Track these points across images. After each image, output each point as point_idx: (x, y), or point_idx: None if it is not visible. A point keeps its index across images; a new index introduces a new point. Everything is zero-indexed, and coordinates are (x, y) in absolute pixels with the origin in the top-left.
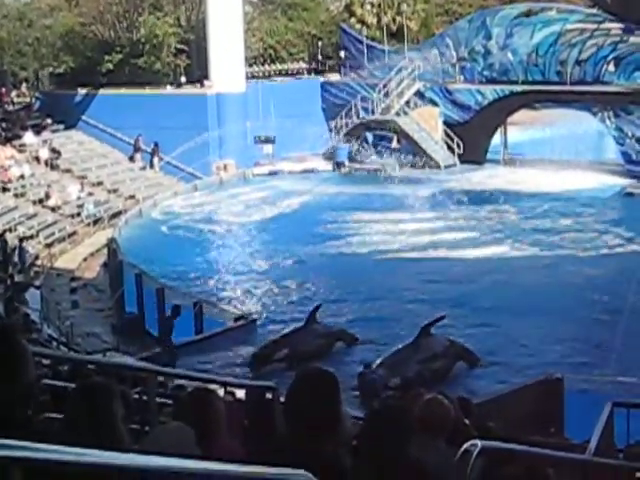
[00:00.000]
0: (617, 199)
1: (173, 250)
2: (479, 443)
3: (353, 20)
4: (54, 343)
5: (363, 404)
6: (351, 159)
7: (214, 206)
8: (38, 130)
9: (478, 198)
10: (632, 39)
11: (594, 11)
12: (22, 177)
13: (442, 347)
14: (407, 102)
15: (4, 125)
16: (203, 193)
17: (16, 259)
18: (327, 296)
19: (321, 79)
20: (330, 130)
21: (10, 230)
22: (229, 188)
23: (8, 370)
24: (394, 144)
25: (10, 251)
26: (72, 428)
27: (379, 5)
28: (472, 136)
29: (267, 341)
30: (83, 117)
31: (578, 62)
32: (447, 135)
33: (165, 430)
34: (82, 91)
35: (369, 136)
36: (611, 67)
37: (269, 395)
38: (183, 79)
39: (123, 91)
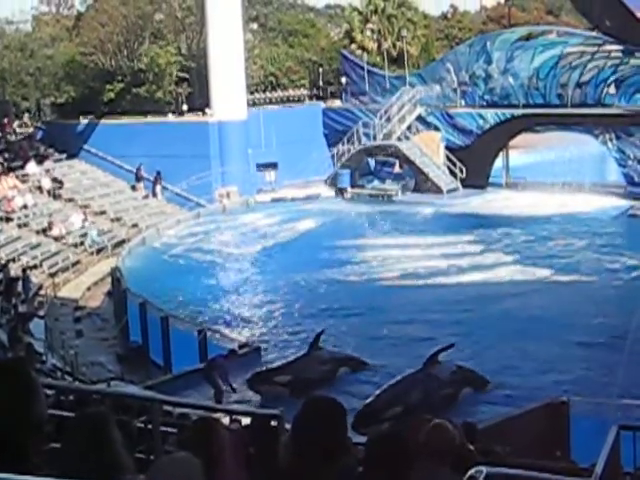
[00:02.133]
0: (620, 221)
1: (177, 278)
2: (484, 469)
3: (354, 46)
4: (58, 373)
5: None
6: (353, 185)
7: (217, 234)
8: (40, 160)
9: (481, 222)
10: (632, 61)
11: (594, 34)
12: (25, 207)
13: (449, 374)
14: (409, 127)
15: (7, 155)
16: (206, 221)
17: (20, 289)
18: (330, 322)
19: (322, 105)
20: (332, 156)
21: (14, 260)
22: (232, 215)
23: (20, 404)
24: (396, 169)
25: (14, 281)
26: (71, 458)
27: (379, 31)
28: (474, 160)
29: (269, 366)
30: (85, 146)
31: (579, 85)
32: (449, 159)
33: (170, 460)
34: (84, 120)
35: (371, 162)
36: (612, 89)
37: (274, 423)
38: (185, 107)
39: (125, 120)
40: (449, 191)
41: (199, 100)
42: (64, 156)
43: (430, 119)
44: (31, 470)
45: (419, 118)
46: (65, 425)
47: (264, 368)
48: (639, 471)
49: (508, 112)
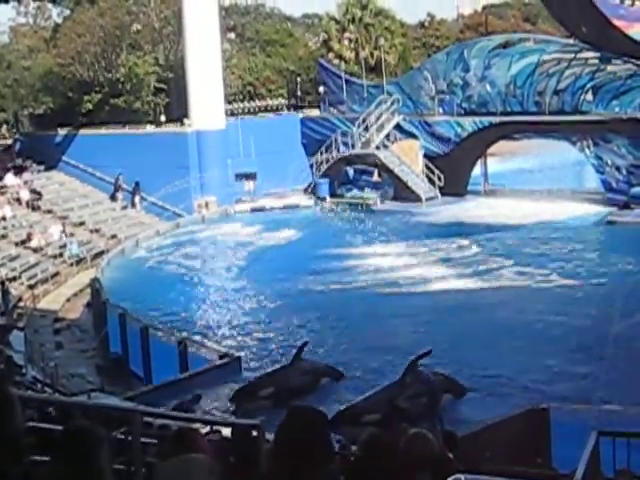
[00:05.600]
0: (599, 228)
1: (156, 289)
2: (463, 477)
3: (331, 55)
4: (39, 385)
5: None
6: (332, 194)
7: (196, 244)
8: (19, 171)
9: (460, 230)
10: (609, 68)
11: (571, 41)
12: (4, 219)
13: (429, 381)
14: (387, 136)
15: None
16: (185, 231)
17: None
18: (310, 331)
19: (300, 115)
20: (311, 165)
21: None
22: (211, 226)
23: None
24: (375, 178)
25: None
26: (58, 472)
27: (357, 40)
28: (453, 168)
29: (252, 378)
30: (64, 157)
31: (556, 92)
32: (428, 168)
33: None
34: (62, 131)
35: (350, 170)
36: (589, 96)
37: (255, 433)
38: (163, 118)
39: (103, 131)
40: (428, 199)
41: (177, 110)
42: (42, 167)
43: (408, 127)
44: None
45: (397, 126)
46: (52, 438)
47: (247, 382)
48: (619, 476)
49: (486, 120)
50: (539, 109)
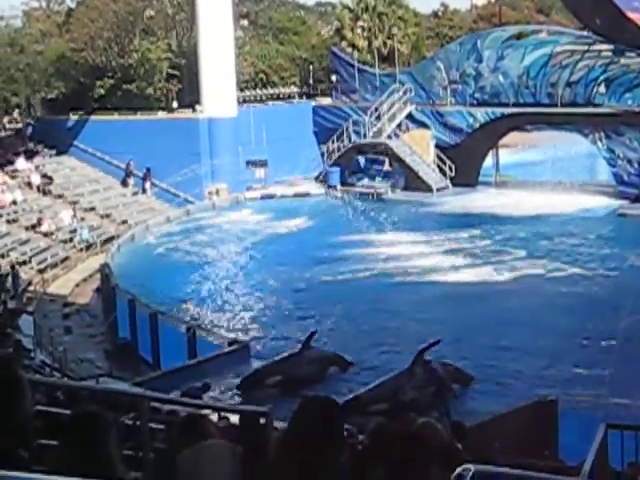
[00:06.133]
0: (610, 220)
1: (166, 275)
2: (472, 467)
3: (344, 44)
4: (47, 369)
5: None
6: (343, 182)
7: (206, 231)
8: (30, 156)
9: (470, 221)
10: (622, 60)
11: (584, 33)
12: (14, 203)
13: (437, 371)
14: (399, 125)
15: None
16: (196, 218)
17: (9, 285)
18: (320, 321)
19: (313, 103)
20: (322, 154)
21: (2, 256)
22: (222, 212)
23: (4, 401)
24: (386, 167)
25: (3, 277)
26: (66, 456)
27: (370, 29)
28: (464, 159)
29: (259, 366)
30: (75, 142)
31: (569, 84)
32: (439, 158)
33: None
34: (74, 116)
35: (361, 159)
36: (602, 89)
37: (263, 420)
38: (175, 104)
39: (115, 116)
40: (439, 189)
41: (189, 97)
42: (54, 152)
43: (420, 117)
44: (18, 466)
45: (409, 116)
46: (60, 422)
47: (254, 370)
48: (627, 469)
49: (498, 111)
50: (552, 101)
